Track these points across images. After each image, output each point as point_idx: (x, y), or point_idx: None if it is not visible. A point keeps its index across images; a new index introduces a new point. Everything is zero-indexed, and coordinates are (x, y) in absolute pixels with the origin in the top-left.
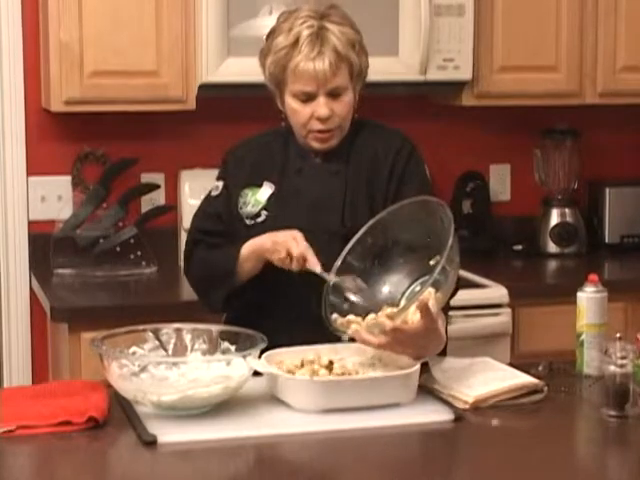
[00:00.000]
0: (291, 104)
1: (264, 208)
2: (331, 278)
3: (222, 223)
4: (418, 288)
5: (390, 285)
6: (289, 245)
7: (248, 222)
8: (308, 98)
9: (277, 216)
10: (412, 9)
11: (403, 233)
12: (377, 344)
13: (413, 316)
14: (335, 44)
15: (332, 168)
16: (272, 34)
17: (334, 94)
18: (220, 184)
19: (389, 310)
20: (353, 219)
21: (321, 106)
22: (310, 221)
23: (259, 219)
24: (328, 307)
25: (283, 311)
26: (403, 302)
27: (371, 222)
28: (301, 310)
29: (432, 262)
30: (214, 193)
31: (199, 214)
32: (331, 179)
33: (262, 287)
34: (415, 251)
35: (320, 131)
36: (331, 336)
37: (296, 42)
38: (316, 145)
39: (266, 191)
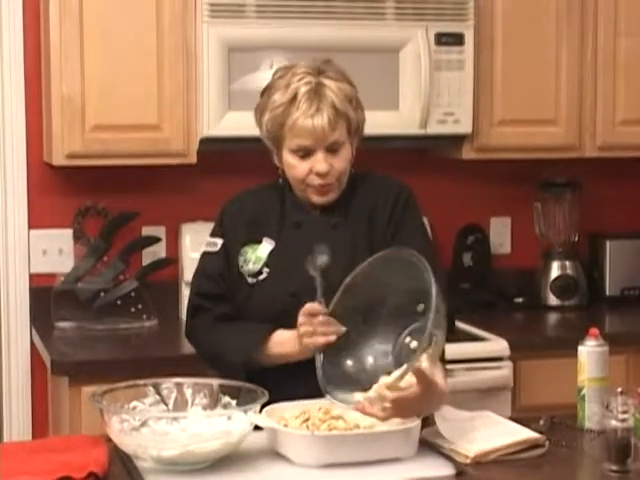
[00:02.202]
0: (289, 160)
1: (265, 265)
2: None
3: (224, 283)
4: (408, 339)
5: (379, 343)
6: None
7: (250, 280)
8: (306, 154)
9: (278, 272)
10: (412, 64)
11: (382, 290)
12: (382, 417)
13: (411, 379)
14: (333, 100)
15: (331, 221)
16: (268, 90)
17: (332, 149)
18: (219, 241)
19: (391, 378)
20: (353, 271)
21: (320, 162)
22: (311, 276)
23: (261, 277)
24: (324, 380)
25: (285, 366)
26: (396, 369)
27: (345, 283)
28: (303, 365)
29: (419, 308)
30: (212, 249)
31: (198, 275)
32: (331, 232)
33: None
34: (399, 304)
35: (319, 185)
36: None
37: (294, 99)
38: (315, 198)
39: (266, 247)
